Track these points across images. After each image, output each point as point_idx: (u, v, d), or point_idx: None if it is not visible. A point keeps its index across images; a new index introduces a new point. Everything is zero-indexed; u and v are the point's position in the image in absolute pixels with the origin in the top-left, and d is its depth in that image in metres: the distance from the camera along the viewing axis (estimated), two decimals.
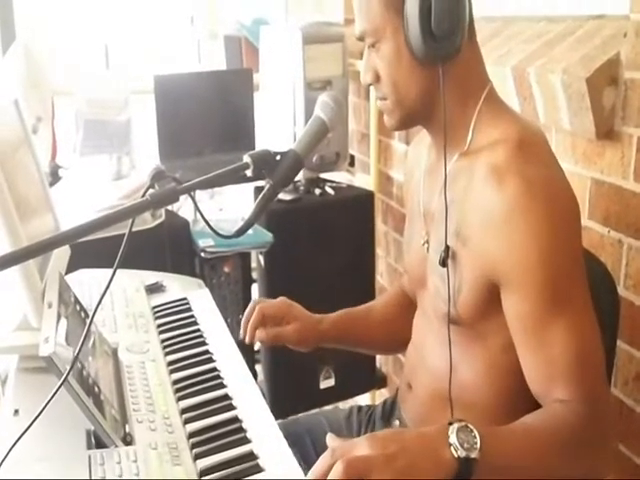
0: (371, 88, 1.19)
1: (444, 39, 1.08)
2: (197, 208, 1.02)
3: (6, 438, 1.00)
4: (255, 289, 2.55)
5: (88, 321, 1.22)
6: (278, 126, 2.57)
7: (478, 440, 0.91)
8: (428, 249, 1.23)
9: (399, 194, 2.68)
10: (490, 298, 1.11)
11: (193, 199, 1.00)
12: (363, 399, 2.80)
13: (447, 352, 1.17)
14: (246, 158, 1.04)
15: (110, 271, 1.72)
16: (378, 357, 2.88)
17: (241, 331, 1.38)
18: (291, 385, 2.54)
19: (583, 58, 1.50)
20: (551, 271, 1.04)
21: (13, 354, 1.29)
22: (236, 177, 1.05)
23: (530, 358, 1.07)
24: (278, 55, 2.55)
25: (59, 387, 0.95)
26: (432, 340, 1.26)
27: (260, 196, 1.08)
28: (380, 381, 2.90)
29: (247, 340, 1.37)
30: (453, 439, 0.90)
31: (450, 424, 0.92)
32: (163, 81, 2.52)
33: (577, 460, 1.03)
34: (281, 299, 1.42)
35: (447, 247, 1.14)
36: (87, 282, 1.57)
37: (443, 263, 1.14)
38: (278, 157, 1.08)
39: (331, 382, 2.62)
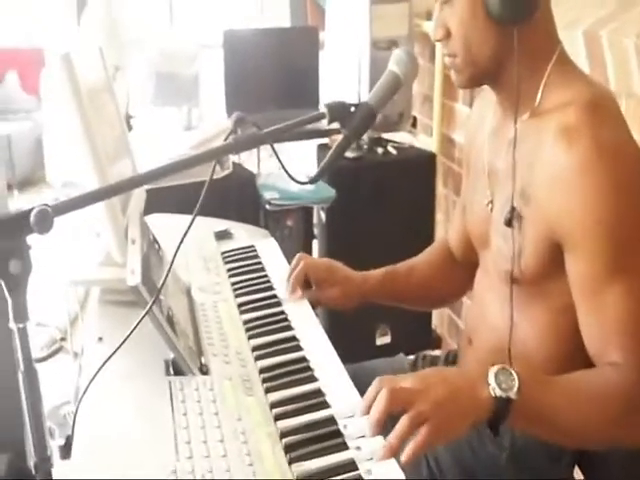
0: (437, 48, 1.18)
1: None
2: (275, 153, 1.06)
3: (93, 361, 1.09)
4: (316, 245, 2.61)
5: (164, 258, 1.30)
6: (343, 85, 2.60)
7: (516, 382, 0.96)
8: (492, 209, 1.25)
9: (461, 157, 2.69)
10: (553, 258, 1.13)
11: (272, 145, 1.04)
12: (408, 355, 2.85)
13: (507, 309, 1.20)
14: (322, 108, 1.08)
15: (182, 217, 1.79)
16: (434, 318, 2.93)
17: (287, 286, 1.41)
18: (348, 340, 2.58)
19: None
20: (614, 234, 1.06)
21: (97, 287, 1.38)
22: (311, 132, 1.09)
23: (587, 319, 1.09)
24: (344, 14, 2.56)
25: (145, 314, 1.02)
26: (493, 297, 1.29)
27: (334, 146, 1.12)
28: (435, 341, 2.95)
29: (290, 293, 1.40)
30: (492, 379, 0.96)
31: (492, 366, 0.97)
32: (232, 36, 2.57)
33: (619, 423, 1.05)
34: (326, 261, 1.47)
35: (513, 208, 1.15)
36: (160, 226, 1.64)
37: (508, 223, 1.16)
38: (353, 109, 1.11)
39: (387, 339, 2.68)
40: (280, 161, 1.07)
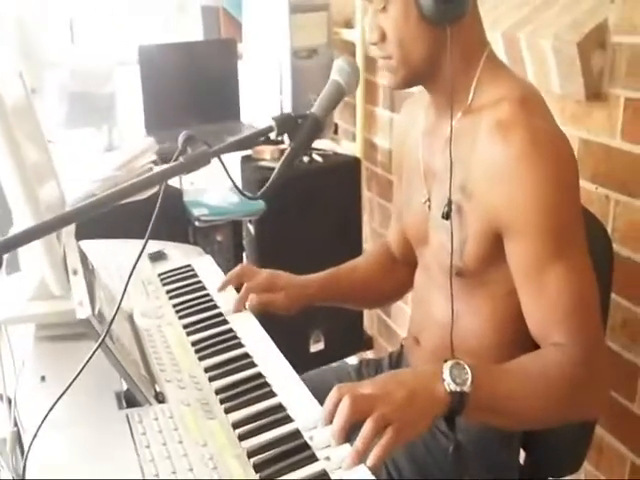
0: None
1: (453, 0, 1.12)
2: (226, 170, 1.05)
3: (39, 402, 1.02)
4: (246, 258, 2.58)
5: (104, 285, 1.25)
6: (263, 95, 2.59)
7: (469, 375, 0.99)
8: (430, 207, 1.28)
9: (384, 161, 2.73)
10: (495, 249, 1.17)
11: (222, 162, 1.03)
12: (351, 361, 2.87)
13: (451, 304, 1.23)
14: (270, 121, 1.08)
15: (111, 242, 1.73)
16: (365, 320, 2.96)
17: (219, 285, 1.44)
18: (282, 349, 2.58)
19: (573, 23, 1.55)
20: (554, 219, 1.10)
21: (31, 323, 1.31)
22: (258, 141, 1.08)
23: (530, 302, 1.14)
24: (262, 24, 2.56)
25: (97, 348, 0.98)
26: (437, 294, 1.32)
27: (283, 158, 1.12)
28: (367, 343, 2.98)
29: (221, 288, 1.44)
30: (446, 375, 0.99)
31: (445, 362, 1.01)
32: (148, 51, 2.52)
33: (568, 402, 1.09)
34: (267, 272, 1.47)
35: (450, 201, 1.18)
36: (92, 253, 1.59)
37: (446, 216, 1.19)
38: (299, 121, 1.11)
39: (321, 346, 2.68)
40: (231, 178, 1.06)
